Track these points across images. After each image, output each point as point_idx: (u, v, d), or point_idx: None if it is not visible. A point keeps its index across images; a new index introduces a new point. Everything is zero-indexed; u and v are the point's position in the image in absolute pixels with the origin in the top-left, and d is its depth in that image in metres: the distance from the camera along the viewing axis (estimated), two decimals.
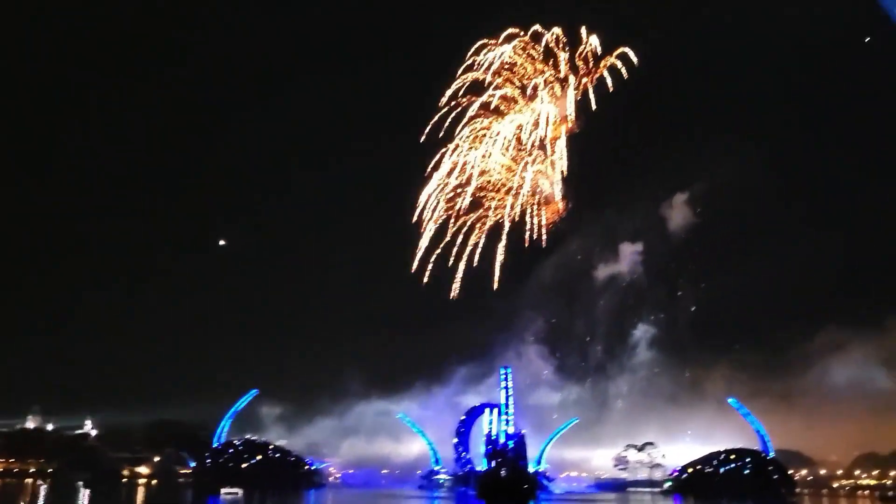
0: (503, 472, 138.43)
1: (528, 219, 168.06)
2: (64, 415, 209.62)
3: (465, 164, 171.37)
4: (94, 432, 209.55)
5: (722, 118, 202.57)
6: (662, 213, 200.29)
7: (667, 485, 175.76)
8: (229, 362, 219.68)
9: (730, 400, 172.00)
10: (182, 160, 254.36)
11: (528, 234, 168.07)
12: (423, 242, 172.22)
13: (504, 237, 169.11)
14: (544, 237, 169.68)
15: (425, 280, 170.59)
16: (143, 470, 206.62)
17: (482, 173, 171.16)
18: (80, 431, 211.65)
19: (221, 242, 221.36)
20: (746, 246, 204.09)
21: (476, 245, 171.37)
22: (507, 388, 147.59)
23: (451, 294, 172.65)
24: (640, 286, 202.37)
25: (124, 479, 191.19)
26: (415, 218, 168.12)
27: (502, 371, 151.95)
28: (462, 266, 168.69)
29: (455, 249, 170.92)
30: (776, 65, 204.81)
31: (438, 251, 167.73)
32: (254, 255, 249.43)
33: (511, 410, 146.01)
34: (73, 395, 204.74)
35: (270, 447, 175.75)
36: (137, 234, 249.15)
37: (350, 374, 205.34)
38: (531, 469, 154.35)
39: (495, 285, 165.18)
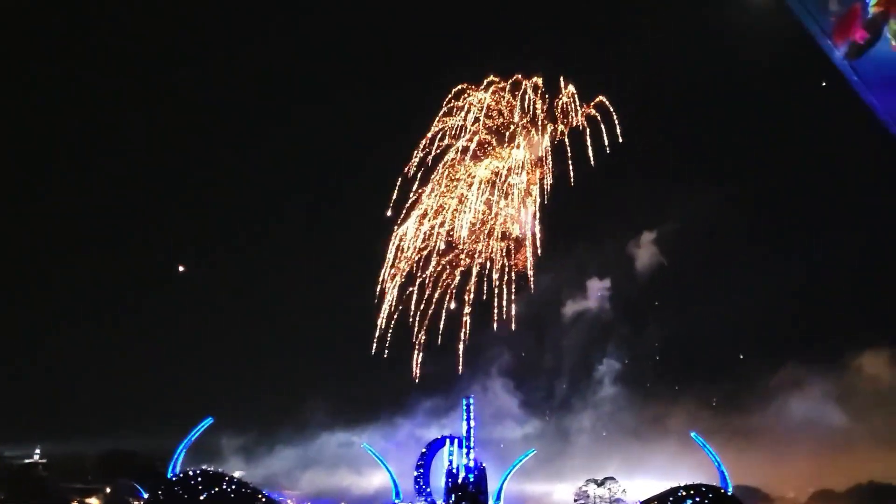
0: None
1: (494, 298, 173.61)
2: (12, 443, 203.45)
3: (435, 215, 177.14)
4: (43, 461, 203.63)
5: (691, 162, 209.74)
6: (630, 250, 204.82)
7: None
8: (187, 391, 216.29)
9: (692, 434, 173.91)
10: (138, 188, 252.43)
11: (495, 311, 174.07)
12: (384, 312, 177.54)
13: (467, 322, 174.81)
14: (513, 316, 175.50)
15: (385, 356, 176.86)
16: (94, 501, 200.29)
17: (449, 233, 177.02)
18: (28, 461, 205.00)
19: (181, 269, 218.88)
20: (710, 285, 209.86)
21: (438, 319, 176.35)
22: (468, 419, 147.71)
23: (413, 375, 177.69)
24: (607, 322, 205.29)
25: None
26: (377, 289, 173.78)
27: (464, 402, 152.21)
28: (421, 345, 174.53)
29: (416, 325, 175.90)
30: (741, 110, 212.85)
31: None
32: (212, 283, 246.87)
33: (472, 443, 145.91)
34: (21, 423, 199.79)
35: (226, 478, 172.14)
36: (91, 261, 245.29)
37: (312, 404, 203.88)
38: (491, 503, 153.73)
39: (459, 370, 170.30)
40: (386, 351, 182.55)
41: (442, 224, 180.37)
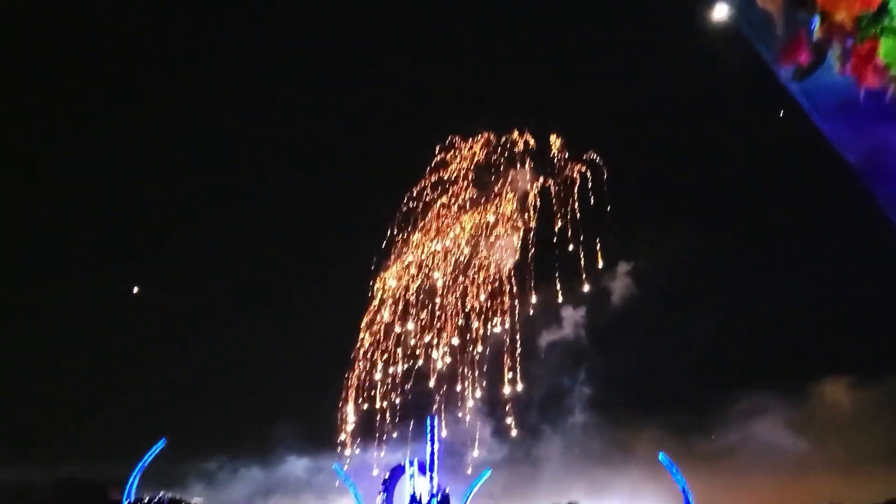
0: None
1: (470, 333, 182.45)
2: None
3: (418, 266, 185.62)
4: None
5: (664, 201, 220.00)
6: (605, 282, 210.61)
7: None
8: (144, 415, 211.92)
9: (660, 455, 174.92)
10: (88, 203, 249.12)
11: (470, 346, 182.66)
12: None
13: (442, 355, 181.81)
14: (487, 347, 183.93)
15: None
16: None
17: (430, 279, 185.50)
18: None
19: (135, 290, 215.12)
20: (679, 315, 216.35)
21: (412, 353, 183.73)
22: (432, 440, 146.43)
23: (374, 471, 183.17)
24: (580, 350, 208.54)
25: None
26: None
27: (427, 421, 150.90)
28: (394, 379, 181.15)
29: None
30: (709, 152, 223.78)
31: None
32: (173, 303, 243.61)
33: (435, 467, 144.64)
34: None
35: None
36: (38, 278, 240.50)
37: (279, 428, 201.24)
38: None
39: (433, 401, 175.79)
40: (357, 377, 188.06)
41: (424, 273, 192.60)
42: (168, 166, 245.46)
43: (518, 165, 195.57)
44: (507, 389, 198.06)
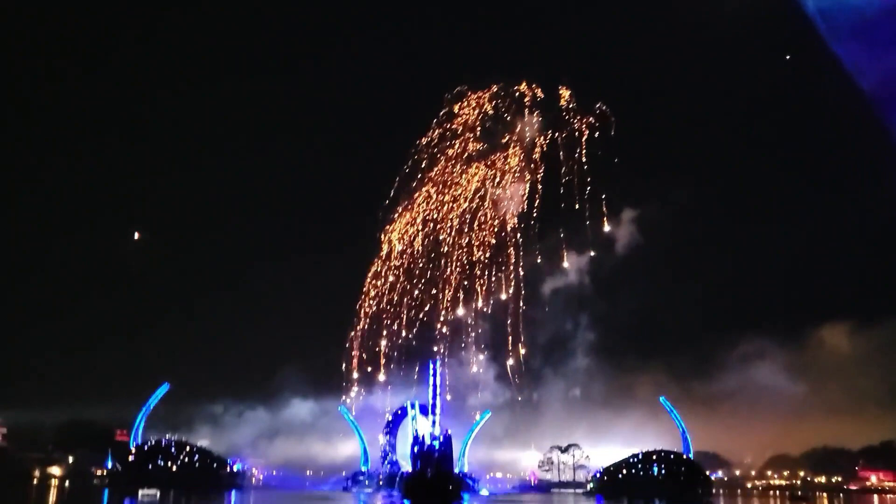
0: (429, 473, 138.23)
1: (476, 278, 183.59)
2: None
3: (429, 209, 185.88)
4: (2, 431, 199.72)
5: (673, 150, 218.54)
6: (610, 229, 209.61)
7: (590, 485, 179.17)
8: (152, 361, 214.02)
9: (661, 399, 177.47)
10: (99, 150, 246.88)
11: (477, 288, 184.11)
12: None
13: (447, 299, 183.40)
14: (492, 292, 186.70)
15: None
16: (56, 471, 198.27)
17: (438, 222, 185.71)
18: None
19: (136, 235, 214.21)
20: (681, 262, 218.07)
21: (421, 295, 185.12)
22: (434, 384, 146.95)
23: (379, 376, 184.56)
24: (584, 295, 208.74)
25: (35, 481, 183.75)
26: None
27: (430, 364, 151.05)
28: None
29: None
30: (715, 96, 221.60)
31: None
32: (179, 250, 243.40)
33: (437, 409, 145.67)
34: None
35: (189, 447, 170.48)
36: (47, 226, 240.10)
37: (285, 371, 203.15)
38: (457, 470, 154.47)
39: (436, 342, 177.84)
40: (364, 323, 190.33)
41: (435, 217, 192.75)
42: (181, 111, 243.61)
43: (526, 115, 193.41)
44: (510, 335, 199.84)
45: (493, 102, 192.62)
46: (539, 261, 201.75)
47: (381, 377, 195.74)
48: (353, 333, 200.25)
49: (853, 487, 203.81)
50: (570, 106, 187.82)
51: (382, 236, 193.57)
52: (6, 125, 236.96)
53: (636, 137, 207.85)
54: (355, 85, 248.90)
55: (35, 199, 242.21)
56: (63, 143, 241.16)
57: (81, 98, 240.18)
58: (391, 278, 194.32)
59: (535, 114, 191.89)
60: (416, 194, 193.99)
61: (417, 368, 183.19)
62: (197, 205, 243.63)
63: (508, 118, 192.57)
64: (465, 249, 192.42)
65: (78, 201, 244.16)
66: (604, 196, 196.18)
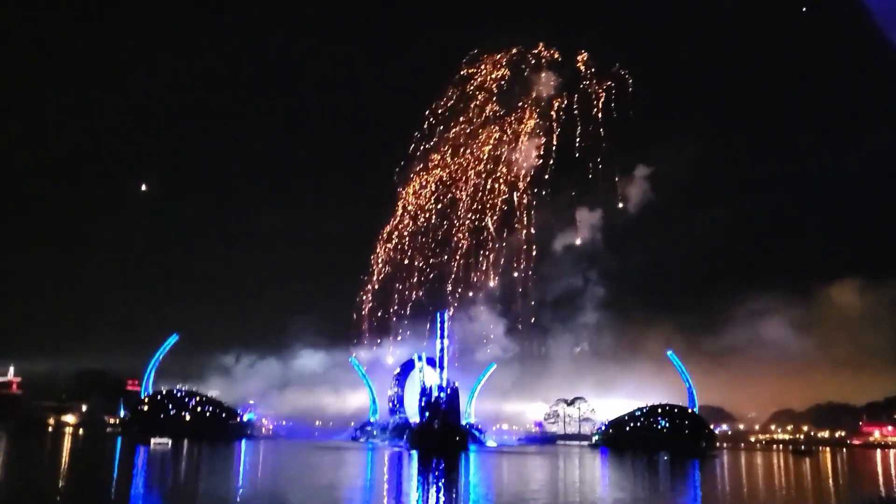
0: (436, 425, 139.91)
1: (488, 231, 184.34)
2: None
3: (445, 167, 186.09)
4: (17, 380, 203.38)
5: (681, 105, 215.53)
6: (622, 185, 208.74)
7: (595, 438, 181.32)
8: (164, 311, 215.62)
9: (668, 352, 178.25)
10: (103, 103, 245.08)
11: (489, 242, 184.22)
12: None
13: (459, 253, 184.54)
14: (503, 247, 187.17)
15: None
16: (70, 419, 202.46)
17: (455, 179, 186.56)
18: (2, 379, 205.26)
19: (143, 188, 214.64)
20: (692, 218, 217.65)
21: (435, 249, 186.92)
22: (442, 335, 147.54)
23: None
24: (595, 251, 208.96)
25: (50, 429, 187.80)
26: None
27: (438, 316, 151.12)
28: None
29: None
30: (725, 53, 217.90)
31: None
32: (191, 201, 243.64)
33: (445, 361, 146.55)
34: None
35: (200, 397, 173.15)
36: (60, 181, 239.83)
37: (297, 323, 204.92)
38: (464, 422, 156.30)
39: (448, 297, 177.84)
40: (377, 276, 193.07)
41: (450, 175, 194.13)
42: (196, 60, 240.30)
43: (543, 75, 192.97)
44: (520, 290, 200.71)
45: (510, 65, 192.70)
46: (551, 218, 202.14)
47: (392, 330, 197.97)
48: (365, 287, 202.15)
49: (856, 442, 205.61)
50: (589, 71, 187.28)
51: (398, 192, 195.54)
52: (11, 76, 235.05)
53: (650, 93, 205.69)
54: (374, 43, 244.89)
55: (43, 150, 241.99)
56: (68, 98, 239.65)
57: (86, 48, 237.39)
58: (405, 234, 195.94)
59: (551, 74, 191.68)
60: (433, 153, 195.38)
61: (428, 323, 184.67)
62: (211, 155, 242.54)
63: (525, 77, 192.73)
64: (478, 207, 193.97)
65: (87, 152, 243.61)
66: (616, 153, 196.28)
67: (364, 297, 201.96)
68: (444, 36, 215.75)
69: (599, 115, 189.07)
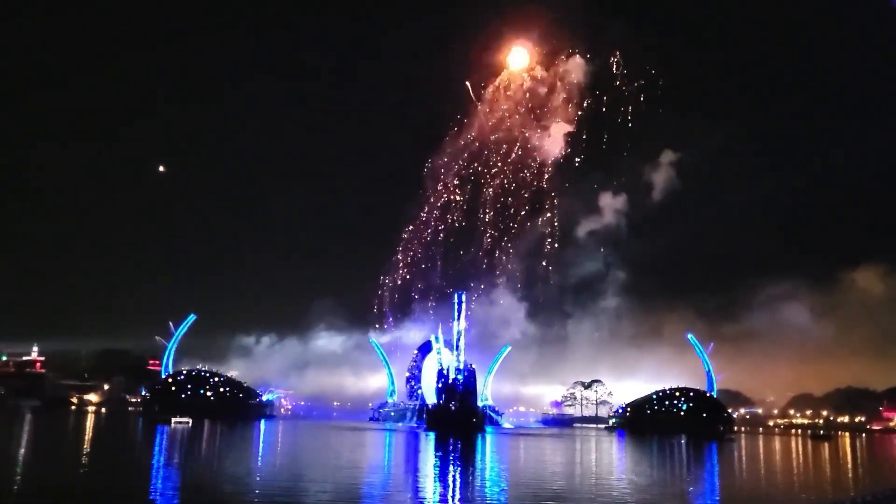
0: (453, 406, 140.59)
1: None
2: (10, 341, 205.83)
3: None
4: (41, 359, 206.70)
5: (708, 93, 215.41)
6: (647, 172, 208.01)
7: (612, 421, 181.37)
8: (189, 291, 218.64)
9: (688, 335, 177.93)
10: (122, 86, 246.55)
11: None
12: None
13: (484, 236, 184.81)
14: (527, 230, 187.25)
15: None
16: (92, 398, 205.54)
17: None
18: (26, 358, 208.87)
19: (161, 169, 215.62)
20: (716, 204, 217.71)
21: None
22: (459, 317, 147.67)
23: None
24: (619, 236, 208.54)
25: (73, 407, 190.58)
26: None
27: (455, 297, 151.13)
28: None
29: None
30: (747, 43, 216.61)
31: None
32: (214, 181, 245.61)
33: (462, 344, 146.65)
34: (19, 322, 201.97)
35: (218, 377, 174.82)
36: (80, 162, 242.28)
37: (319, 305, 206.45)
38: (481, 403, 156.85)
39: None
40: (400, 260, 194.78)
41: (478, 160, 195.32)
42: (215, 39, 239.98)
43: (575, 63, 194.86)
44: (541, 273, 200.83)
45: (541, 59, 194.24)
46: (575, 203, 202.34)
47: (412, 313, 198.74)
48: (388, 269, 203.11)
49: (876, 427, 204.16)
50: (621, 70, 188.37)
51: (425, 178, 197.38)
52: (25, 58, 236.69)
53: (678, 83, 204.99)
54: (407, 29, 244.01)
55: (64, 133, 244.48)
56: (85, 79, 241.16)
57: (104, 31, 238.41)
58: (431, 219, 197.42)
59: (581, 65, 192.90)
60: (461, 139, 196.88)
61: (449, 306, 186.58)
62: (234, 137, 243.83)
63: (556, 68, 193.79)
64: (504, 191, 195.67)
65: (109, 133, 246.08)
66: (643, 139, 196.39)
67: (386, 280, 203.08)
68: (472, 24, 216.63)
69: (629, 110, 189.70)
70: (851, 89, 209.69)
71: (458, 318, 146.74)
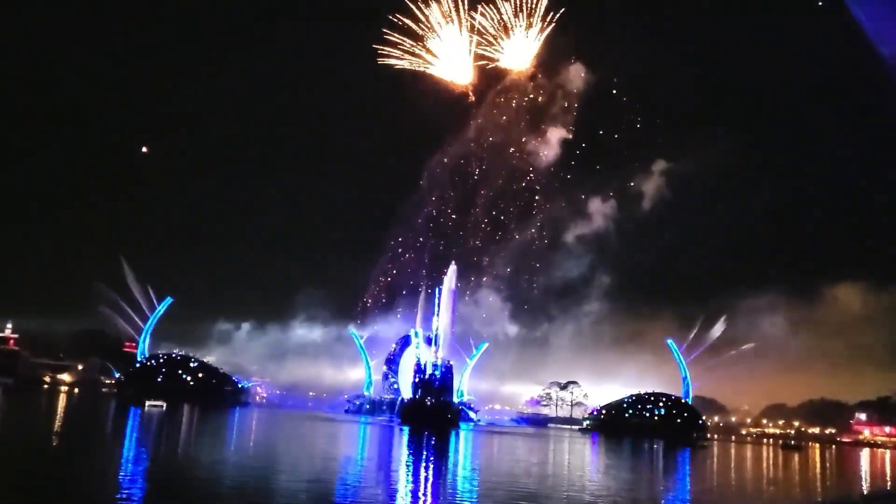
0: (428, 401, 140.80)
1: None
2: None
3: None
4: (14, 336, 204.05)
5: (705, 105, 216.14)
6: (638, 180, 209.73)
7: (586, 423, 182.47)
8: (169, 275, 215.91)
9: (668, 341, 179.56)
10: (109, 64, 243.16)
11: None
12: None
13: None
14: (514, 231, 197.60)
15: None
16: (66, 377, 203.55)
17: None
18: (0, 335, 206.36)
19: (144, 149, 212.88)
20: (704, 214, 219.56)
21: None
22: (439, 313, 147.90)
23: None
24: (606, 241, 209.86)
25: (45, 386, 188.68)
26: None
27: (437, 291, 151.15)
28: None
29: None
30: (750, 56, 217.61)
31: None
32: (196, 164, 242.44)
33: (442, 340, 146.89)
34: None
35: (194, 362, 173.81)
36: (60, 138, 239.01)
37: (301, 295, 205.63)
38: (457, 399, 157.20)
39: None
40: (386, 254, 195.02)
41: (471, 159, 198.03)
42: (204, 21, 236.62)
43: (571, 71, 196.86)
44: (526, 274, 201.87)
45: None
46: (564, 206, 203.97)
47: (395, 307, 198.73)
48: (375, 263, 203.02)
49: (846, 440, 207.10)
50: (621, 98, 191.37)
51: (420, 173, 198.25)
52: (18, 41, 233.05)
53: (671, 95, 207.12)
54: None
55: (46, 111, 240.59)
56: (71, 61, 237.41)
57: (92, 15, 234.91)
58: (419, 216, 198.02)
59: (578, 73, 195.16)
60: (456, 136, 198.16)
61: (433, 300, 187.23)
62: (219, 121, 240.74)
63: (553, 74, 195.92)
64: (496, 192, 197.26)
65: (90, 114, 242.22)
66: (635, 148, 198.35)
67: (371, 273, 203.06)
68: None
69: (626, 117, 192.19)
70: (832, 105, 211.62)
71: (438, 314, 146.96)
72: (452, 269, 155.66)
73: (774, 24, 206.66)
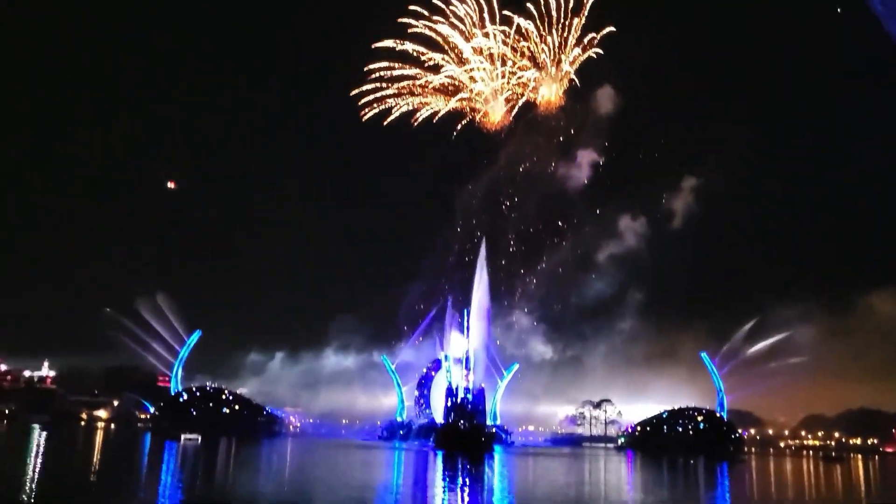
0: (462, 425, 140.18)
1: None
2: (21, 356, 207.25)
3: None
4: (51, 374, 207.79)
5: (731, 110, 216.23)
6: (668, 195, 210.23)
7: (620, 440, 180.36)
8: (201, 308, 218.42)
9: (701, 354, 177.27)
10: (131, 99, 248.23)
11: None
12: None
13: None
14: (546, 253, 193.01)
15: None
16: (102, 414, 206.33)
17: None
18: (37, 373, 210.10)
19: (171, 185, 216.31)
20: (736, 227, 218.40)
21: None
22: (468, 336, 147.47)
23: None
24: (638, 258, 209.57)
25: (82, 423, 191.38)
26: None
27: (465, 312, 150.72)
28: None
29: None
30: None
31: None
32: (232, 196, 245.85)
33: (472, 363, 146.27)
34: (30, 337, 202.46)
35: (227, 394, 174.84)
36: (90, 173, 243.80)
37: (333, 323, 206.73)
38: (490, 423, 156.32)
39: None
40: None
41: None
42: (224, 53, 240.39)
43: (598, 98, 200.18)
44: (557, 294, 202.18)
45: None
46: (597, 226, 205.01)
47: (430, 333, 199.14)
48: (407, 290, 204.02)
49: (889, 449, 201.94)
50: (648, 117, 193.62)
51: (452, 200, 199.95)
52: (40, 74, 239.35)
53: (698, 104, 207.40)
54: None
55: (74, 151, 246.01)
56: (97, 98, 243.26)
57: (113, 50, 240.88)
58: (454, 243, 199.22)
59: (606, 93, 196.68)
60: (488, 164, 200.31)
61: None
62: (258, 148, 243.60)
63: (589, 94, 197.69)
64: (528, 214, 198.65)
65: (117, 151, 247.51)
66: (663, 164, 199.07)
67: (404, 299, 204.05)
68: None
69: (654, 134, 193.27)
70: (865, 112, 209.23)
71: (468, 337, 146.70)
72: (482, 253, 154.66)
73: (803, 25, 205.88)
